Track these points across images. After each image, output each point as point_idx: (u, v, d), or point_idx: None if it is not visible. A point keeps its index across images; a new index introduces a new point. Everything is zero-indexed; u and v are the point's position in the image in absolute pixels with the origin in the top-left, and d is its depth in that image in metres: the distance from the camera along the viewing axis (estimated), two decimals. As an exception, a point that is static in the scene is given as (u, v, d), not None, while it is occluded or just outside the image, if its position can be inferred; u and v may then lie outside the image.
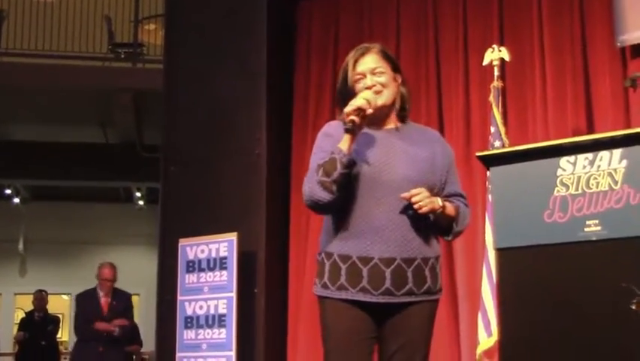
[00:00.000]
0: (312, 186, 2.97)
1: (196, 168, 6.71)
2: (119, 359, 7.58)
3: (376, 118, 3.07)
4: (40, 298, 10.61)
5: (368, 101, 2.94)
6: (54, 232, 15.19)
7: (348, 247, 2.98)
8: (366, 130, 3.05)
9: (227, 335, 6.05)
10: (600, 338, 3.46)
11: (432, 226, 3.03)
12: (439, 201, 2.97)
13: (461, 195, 3.15)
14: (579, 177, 3.62)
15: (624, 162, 3.53)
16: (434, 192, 3.02)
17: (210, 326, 6.14)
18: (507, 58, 5.58)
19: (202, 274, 6.28)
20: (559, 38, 5.95)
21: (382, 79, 3.07)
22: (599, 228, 3.53)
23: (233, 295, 6.08)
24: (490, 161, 3.97)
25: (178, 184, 6.83)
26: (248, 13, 6.78)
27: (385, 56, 3.13)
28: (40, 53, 10.59)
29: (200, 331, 6.19)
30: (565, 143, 3.76)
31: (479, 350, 5.22)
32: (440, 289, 3.09)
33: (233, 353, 5.99)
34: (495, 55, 5.57)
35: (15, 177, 13.43)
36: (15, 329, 12.05)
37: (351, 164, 2.93)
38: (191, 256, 6.36)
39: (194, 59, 6.91)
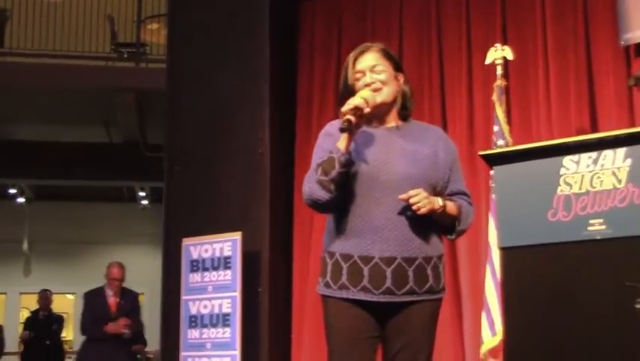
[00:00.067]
0: (311, 185, 2.98)
1: (199, 168, 6.71)
2: (127, 359, 7.55)
3: (376, 116, 3.08)
4: (45, 297, 10.63)
5: (366, 100, 2.93)
6: (58, 232, 15.21)
7: (349, 246, 2.98)
8: (365, 129, 3.05)
9: (231, 334, 6.05)
10: (605, 336, 3.46)
11: (434, 224, 3.01)
12: (439, 201, 2.95)
13: (465, 194, 3.12)
14: (583, 176, 3.62)
15: (628, 161, 3.53)
16: (437, 190, 3.01)
17: (214, 326, 6.14)
18: (510, 57, 5.58)
19: (206, 274, 6.29)
20: (562, 37, 5.94)
21: (382, 76, 3.06)
22: (603, 227, 3.53)
23: (238, 294, 6.08)
24: (494, 160, 3.98)
25: (181, 184, 6.83)
26: (251, 12, 6.78)
27: (386, 54, 3.12)
28: (44, 52, 10.60)
29: (205, 330, 6.19)
30: (568, 142, 3.76)
31: (484, 348, 5.22)
32: (443, 289, 3.07)
33: (237, 353, 6.00)
34: (498, 54, 5.57)
35: (19, 177, 13.45)
36: (20, 328, 12.07)
37: (348, 163, 2.92)
38: (195, 256, 6.37)
39: (197, 59, 6.91)
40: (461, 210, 3.05)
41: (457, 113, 6.36)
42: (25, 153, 11.94)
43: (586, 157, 3.62)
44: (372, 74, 3.06)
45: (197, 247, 6.36)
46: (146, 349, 8.31)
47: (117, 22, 10.94)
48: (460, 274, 6.08)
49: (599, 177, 3.59)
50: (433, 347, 3.03)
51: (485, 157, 4.07)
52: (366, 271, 2.94)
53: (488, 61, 5.62)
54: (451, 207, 3.02)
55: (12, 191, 14.51)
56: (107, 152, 12.04)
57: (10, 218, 15.07)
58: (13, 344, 12.03)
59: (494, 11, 6.30)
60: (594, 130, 5.58)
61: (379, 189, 2.96)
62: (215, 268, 6.23)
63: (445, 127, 6.28)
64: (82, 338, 7.69)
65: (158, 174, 7.49)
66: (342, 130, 2.91)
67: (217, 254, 6.25)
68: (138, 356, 7.88)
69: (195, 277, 6.33)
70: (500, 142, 5.34)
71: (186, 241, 6.42)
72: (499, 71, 5.53)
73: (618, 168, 3.54)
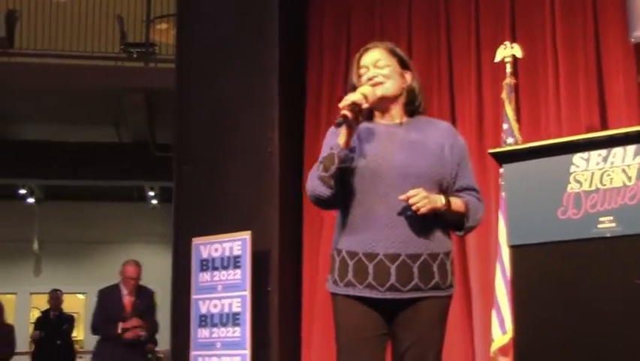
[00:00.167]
0: (313, 182, 3.01)
1: (209, 167, 6.72)
2: (141, 359, 7.51)
3: (379, 111, 3.09)
4: (56, 297, 10.66)
5: (365, 96, 2.95)
6: (68, 232, 15.26)
7: (355, 243, 2.98)
8: (368, 125, 3.07)
9: (241, 333, 6.06)
10: (615, 335, 3.45)
11: (441, 221, 3.00)
12: (441, 199, 2.93)
13: (474, 189, 3.10)
14: (593, 174, 3.61)
15: (638, 159, 3.51)
16: (443, 186, 3.00)
17: (224, 325, 6.16)
18: (519, 55, 5.57)
19: (216, 273, 6.30)
20: (571, 35, 5.93)
21: (384, 71, 3.07)
22: (613, 224, 3.51)
23: (247, 293, 6.09)
24: (503, 158, 3.96)
25: (191, 183, 6.85)
26: (260, 11, 6.79)
27: (392, 51, 3.13)
28: (53, 53, 10.64)
29: (215, 329, 6.20)
30: (578, 139, 3.74)
31: (494, 347, 5.21)
32: (451, 285, 3.05)
33: (247, 352, 6.01)
34: (507, 52, 5.55)
35: (29, 177, 13.50)
36: (31, 328, 12.11)
37: (347, 158, 2.93)
38: (204, 255, 6.38)
39: (206, 58, 6.92)
40: (469, 207, 3.03)
41: (466, 111, 6.35)
42: (35, 153, 11.98)
43: (596, 155, 3.61)
44: (375, 69, 3.08)
45: (207, 247, 6.37)
46: (157, 348, 8.31)
47: (126, 22, 10.98)
48: (470, 272, 6.07)
49: (609, 175, 3.57)
50: (442, 344, 3.02)
51: (495, 155, 4.05)
52: (370, 268, 2.94)
53: (497, 59, 5.61)
54: (458, 204, 3.00)
55: (22, 191, 14.57)
56: (116, 152, 12.08)
57: (21, 218, 15.14)
58: (23, 343, 12.07)
59: (503, 9, 6.29)
60: (604, 128, 5.56)
61: (382, 185, 2.96)
62: (225, 268, 6.25)
63: (454, 125, 6.25)
64: (92, 338, 7.68)
65: (167, 173, 7.51)
66: (337, 125, 2.92)
67: (227, 253, 6.26)
68: (149, 355, 7.87)
69: (205, 277, 6.35)
70: (510, 140, 5.33)
71: (196, 241, 6.43)
72: (509, 69, 5.52)
73: (628, 166, 3.52)
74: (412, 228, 2.94)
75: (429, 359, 2.96)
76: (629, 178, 3.52)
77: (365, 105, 2.94)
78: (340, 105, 2.91)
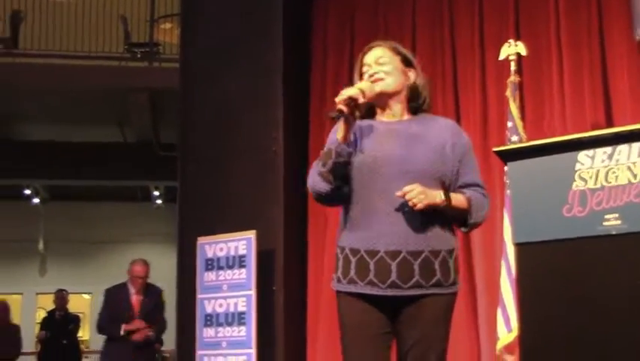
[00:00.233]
0: (313, 177, 3.02)
1: (213, 167, 6.73)
2: (150, 359, 7.46)
3: (380, 108, 3.11)
4: (61, 297, 10.66)
5: (361, 90, 2.95)
6: (73, 232, 15.29)
7: (357, 240, 2.99)
8: (369, 121, 3.09)
9: (247, 332, 6.07)
10: (620, 332, 3.44)
11: (444, 218, 2.99)
12: (440, 195, 2.91)
13: (477, 185, 3.07)
14: (598, 171, 3.60)
15: (644, 156, 3.51)
16: (445, 183, 2.99)
17: (230, 324, 6.16)
18: (523, 52, 5.56)
19: (221, 272, 6.31)
20: (576, 32, 5.91)
21: (385, 68, 3.08)
22: (618, 222, 3.51)
23: (253, 292, 6.10)
24: (508, 156, 3.96)
25: (195, 183, 6.86)
26: (264, 11, 6.79)
27: (394, 49, 3.14)
28: (57, 53, 10.66)
29: (220, 329, 6.21)
30: (583, 137, 3.73)
31: (499, 345, 5.20)
32: (454, 283, 3.02)
33: (253, 351, 6.01)
34: (511, 49, 5.54)
35: (34, 178, 13.53)
36: (37, 328, 12.13)
37: (344, 152, 2.94)
38: (209, 255, 6.39)
39: (211, 58, 6.93)
40: (471, 203, 3.01)
41: (470, 109, 6.34)
42: (39, 153, 12.00)
43: (601, 152, 3.60)
44: (376, 66, 3.09)
45: (212, 246, 6.38)
46: (162, 348, 8.31)
47: (130, 22, 10.98)
48: (475, 270, 6.07)
49: (614, 172, 3.56)
50: (446, 343, 3.00)
51: (499, 153, 4.05)
52: (372, 265, 2.94)
53: (502, 57, 5.60)
54: (459, 200, 2.99)
55: (27, 192, 14.60)
56: (120, 151, 12.09)
57: (26, 219, 15.17)
58: (29, 344, 12.08)
59: (507, 6, 6.28)
60: (609, 125, 5.54)
61: (380, 181, 2.96)
62: (230, 267, 6.25)
63: (458, 123, 6.25)
64: (98, 338, 7.64)
65: (172, 173, 7.52)
66: (332, 118, 2.93)
67: (232, 253, 6.27)
68: (156, 355, 7.85)
69: (210, 276, 6.36)
70: (514, 138, 5.31)
71: (201, 240, 6.44)
72: (513, 66, 5.50)
73: (634, 163, 3.52)
74: (412, 224, 2.93)
75: (431, 358, 2.94)
76: (635, 176, 3.51)
77: (361, 100, 2.94)
78: (336, 100, 2.92)
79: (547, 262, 3.69)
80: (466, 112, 6.37)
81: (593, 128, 5.35)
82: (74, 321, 10.74)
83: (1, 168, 11.88)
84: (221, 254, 6.33)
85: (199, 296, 6.39)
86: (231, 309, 6.19)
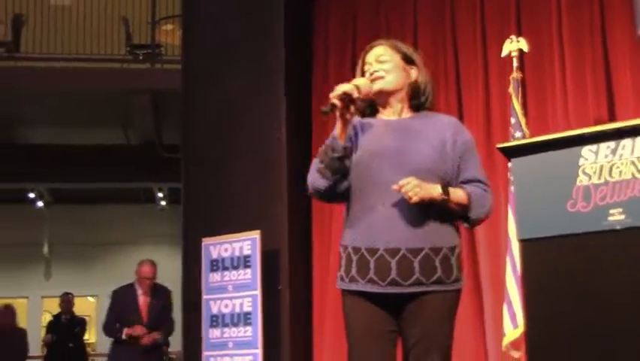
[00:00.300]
0: (312, 174, 3.05)
1: (216, 167, 6.74)
2: (159, 360, 7.42)
3: (381, 106, 3.11)
4: (67, 300, 10.68)
5: (357, 87, 2.96)
6: (78, 235, 15.31)
7: (358, 238, 3.00)
8: (369, 119, 3.10)
9: (252, 332, 6.08)
10: (626, 327, 3.44)
11: (445, 214, 2.97)
12: (437, 189, 2.89)
13: (479, 181, 3.05)
14: (602, 166, 3.60)
15: (647, 150, 3.50)
16: (445, 180, 2.97)
17: (236, 325, 6.17)
18: (526, 49, 5.55)
19: (226, 273, 6.32)
20: (578, 28, 5.91)
21: (385, 66, 3.08)
22: (622, 216, 3.50)
23: (258, 292, 6.11)
24: (512, 152, 3.95)
25: (199, 184, 6.86)
26: (265, 11, 6.80)
27: (395, 47, 3.14)
28: (59, 56, 10.67)
29: (226, 329, 6.22)
30: (586, 132, 3.73)
31: (505, 341, 5.20)
32: (457, 280, 2.99)
33: (259, 351, 6.02)
34: (513, 46, 5.54)
35: (37, 181, 13.55)
36: (43, 331, 12.15)
37: (339, 148, 2.96)
38: (214, 255, 6.40)
39: (213, 59, 6.93)
40: (471, 198, 2.98)
41: (473, 106, 6.34)
42: (42, 157, 12.01)
43: (604, 147, 3.59)
44: (376, 64, 3.10)
45: (217, 247, 6.39)
46: (169, 350, 8.30)
47: (131, 24, 10.99)
48: (480, 267, 6.07)
49: (617, 167, 3.56)
50: (450, 340, 2.98)
51: (503, 150, 4.04)
52: (372, 263, 2.95)
53: (504, 53, 5.60)
54: (459, 195, 2.96)
55: (31, 195, 14.62)
56: (124, 154, 12.09)
57: (30, 222, 15.19)
58: (36, 347, 12.11)
59: (508, 3, 6.27)
60: (612, 120, 5.54)
61: (376, 177, 2.96)
62: (235, 267, 6.26)
63: (461, 121, 6.24)
64: (104, 341, 7.61)
65: (175, 174, 7.52)
66: (323, 112, 2.95)
67: (237, 253, 6.28)
68: (164, 358, 7.83)
69: (215, 277, 6.36)
70: (518, 134, 5.31)
71: (206, 241, 6.45)
72: (515, 63, 5.50)
73: (638, 158, 3.51)
74: (411, 221, 2.92)
75: (434, 357, 2.93)
76: (639, 170, 3.51)
77: (356, 95, 2.94)
78: (330, 95, 2.92)
79: (552, 258, 3.69)
80: (469, 109, 6.37)
81: (596, 123, 5.34)
82: (80, 324, 10.74)
83: (4, 171, 11.90)
84: (226, 255, 6.34)
85: (204, 297, 6.39)
86: (237, 309, 6.20)
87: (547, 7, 6.06)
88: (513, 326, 5.14)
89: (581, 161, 3.65)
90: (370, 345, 2.96)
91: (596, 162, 3.61)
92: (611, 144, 3.58)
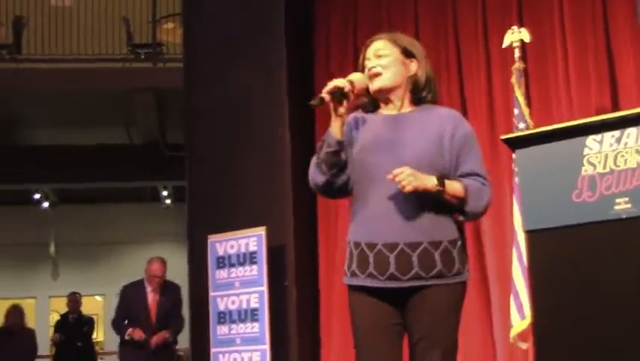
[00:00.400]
0: (311, 169, 3.06)
1: (220, 165, 6.74)
2: (170, 359, 7.38)
3: (383, 101, 3.10)
4: (74, 300, 10.69)
5: (351, 82, 2.96)
6: (84, 234, 15.33)
7: (359, 233, 3.00)
8: (371, 115, 3.10)
9: (260, 328, 6.08)
10: (634, 316, 3.43)
11: (444, 208, 2.95)
12: (433, 180, 2.87)
13: (477, 174, 3.00)
14: (606, 155, 3.60)
15: (652, 139, 3.50)
16: (443, 174, 2.94)
17: (243, 321, 6.18)
18: (527, 39, 5.54)
19: (232, 270, 6.32)
20: (580, 18, 5.89)
21: (383, 61, 3.06)
22: (628, 205, 3.50)
23: (265, 289, 6.11)
24: (516, 143, 3.95)
25: (203, 181, 6.87)
26: (265, 8, 6.79)
27: (394, 41, 3.11)
28: (61, 57, 10.67)
29: (234, 326, 6.23)
30: (590, 122, 3.73)
31: (513, 332, 5.20)
32: (459, 273, 2.96)
33: (267, 347, 6.03)
34: (515, 36, 5.52)
35: (43, 182, 13.55)
36: (51, 331, 12.16)
37: (333, 142, 2.97)
38: (220, 252, 6.40)
39: (214, 57, 6.93)
40: (468, 190, 2.95)
41: (476, 98, 6.33)
42: (46, 157, 12.02)
43: (609, 136, 3.59)
44: (375, 59, 3.08)
45: (223, 244, 6.39)
46: (177, 347, 8.30)
47: (132, 24, 10.98)
48: (487, 259, 6.06)
49: (622, 156, 3.56)
50: (455, 334, 2.96)
51: (507, 141, 4.04)
52: (371, 257, 2.95)
53: (505, 44, 5.58)
54: (455, 187, 2.93)
55: (36, 196, 14.64)
56: (127, 153, 12.10)
57: (36, 223, 15.21)
58: (44, 347, 12.12)
59: (510, -7, 6.27)
60: (615, 109, 5.52)
61: (373, 172, 2.96)
62: (242, 264, 6.27)
63: (464, 113, 6.25)
64: (112, 339, 7.58)
65: (179, 173, 7.52)
66: (311, 105, 2.96)
67: (242, 250, 6.29)
68: (174, 356, 7.81)
69: (222, 274, 6.37)
70: (521, 125, 5.30)
71: (212, 238, 6.45)
72: (517, 53, 5.49)
73: (642, 146, 3.51)
74: (409, 215, 2.91)
75: (437, 352, 2.90)
76: (644, 158, 3.50)
77: (347, 90, 2.94)
78: (324, 90, 2.92)
79: (558, 249, 3.69)
80: (472, 101, 6.36)
81: (600, 113, 5.32)
82: (88, 323, 10.76)
83: (9, 173, 11.91)
84: (232, 251, 6.35)
85: (211, 294, 6.40)
86: (244, 306, 6.21)
87: (548, -3, 6.05)
88: (520, 317, 5.14)
89: (586, 150, 3.64)
90: (376, 340, 2.96)
91: (600, 152, 3.61)
92: (616, 132, 3.58)
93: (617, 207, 3.52)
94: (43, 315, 15.57)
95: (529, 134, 4.07)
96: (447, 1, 6.61)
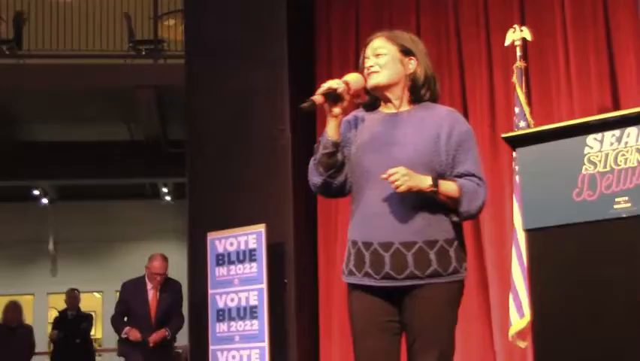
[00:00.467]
0: (309, 170, 3.06)
1: (221, 162, 6.73)
2: (168, 357, 7.35)
3: (382, 100, 3.09)
4: (73, 296, 10.66)
5: (346, 82, 2.95)
6: (83, 231, 15.33)
7: (357, 232, 3.01)
8: (369, 114, 3.10)
9: (259, 326, 6.08)
10: (633, 315, 3.43)
11: (440, 207, 2.94)
12: (427, 181, 2.86)
13: (473, 175, 2.98)
14: (607, 155, 3.59)
15: (652, 138, 3.50)
16: (439, 173, 2.93)
17: (242, 318, 6.17)
18: (529, 38, 5.54)
19: (232, 267, 6.32)
20: (581, 17, 5.90)
21: (381, 60, 3.05)
22: (628, 204, 3.50)
23: (264, 286, 6.11)
24: (516, 142, 3.95)
25: (204, 178, 6.86)
26: (267, 4, 6.79)
27: (392, 38, 3.09)
28: (62, 53, 10.67)
29: (233, 323, 6.22)
30: (591, 120, 3.72)
31: (512, 331, 5.20)
32: (455, 272, 2.95)
33: (265, 344, 6.02)
34: (517, 35, 5.52)
35: (42, 178, 13.56)
36: (49, 328, 12.16)
37: (329, 144, 2.96)
38: (220, 250, 6.40)
39: (215, 53, 6.93)
40: (463, 192, 2.93)
41: (477, 97, 6.33)
42: (46, 154, 12.02)
43: (609, 135, 3.59)
44: (373, 58, 3.06)
45: (222, 241, 6.39)
46: (175, 344, 8.29)
47: (134, 20, 10.98)
48: (486, 257, 6.07)
49: (623, 155, 3.55)
50: (451, 333, 2.96)
51: (508, 139, 4.04)
52: (367, 256, 2.96)
53: (507, 43, 5.58)
54: (450, 188, 2.92)
55: (35, 192, 14.64)
56: (128, 149, 12.10)
57: (35, 219, 15.22)
58: (42, 344, 12.12)
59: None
60: (616, 108, 5.53)
61: (367, 170, 2.97)
62: (241, 261, 6.26)
63: (465, 111, 6.26)
64: (111, 336, 7.55)
65: (180, 169, 7.52)
66: (301, 108, 2.93)
67: (242, 247, 6.28)
68: (172, 354, 7.78)
69: (221, 271, 6.37)
70: (522, 124, 5.30)
71: (211, 235, 6.45)
72: (519, 52, 5.48)
73: (642, 145, 3.51)
74: (404, 215, 2.91)
75: (434, 351, 2.90)
76: (644, 158, 3.50)
77: (341, 90, 2.93)
78: (317, 91, 2.92)
79: (558, 247, 3.68)
80: (473, 99, 6.36)
81: (600, 111, 5.33)
82: (87, 320, 10.73)
83: (8, 169, 11.91)
84: (231, 249, 6.34)
85: (211, 291, 6.40)
86: (243, 303, 6.20)
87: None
88: (519, 315, 5.14)
89: (586, 149, 3.64)
90: (373, 337, 2.96)
91: (601, 151, 3.61)
92: (616, 132, 3.58)
93: (617, 206, 3.52)
94: (42, 311, 15.57)
95: (530, 132, 4.07)
96: (448, 0, 6.61)
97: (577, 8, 5.92)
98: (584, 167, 3.64)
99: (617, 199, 3.53)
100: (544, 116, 5.78)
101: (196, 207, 6.91)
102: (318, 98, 2.91)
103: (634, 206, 3.49)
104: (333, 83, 2.93)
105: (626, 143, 3.55)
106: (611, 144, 3.59)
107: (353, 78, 3.00)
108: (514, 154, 4.63)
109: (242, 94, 6.73)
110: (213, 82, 6.90)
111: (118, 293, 7.54)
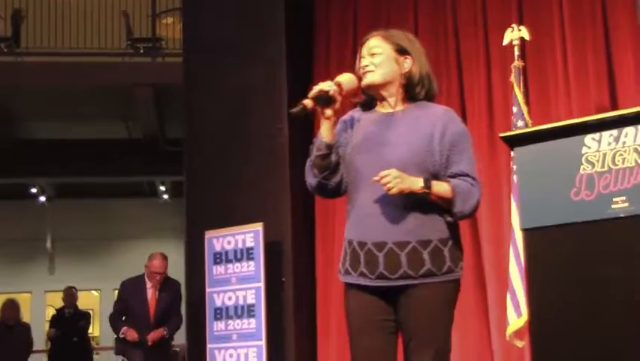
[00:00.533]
0: (306, 171, 3.07)
1: (219, 160, 6.73)
2: (166, 355, 7.34)
3: (378, 100, 3.09)
4: (70, 294, 10.66)
5: (339, 84, 2.94)
6: (80, 229, 15.32)
7: (352, 232, 3.02)
8: (365, 114, 3.09)
9: (256, 324, 6.08)
10: (631, 316, 3.44)
11: (435, 207, 2.93)
12: (419, 182, 2.86)
13: (467, 175, 2.97)
14: (605, 154, 3.59)
15: (650, 137, 3.50)
16: (433, 173, 2.93)
17: (240, 317, 6.17)
18: (527, 37, 5.54)
19: (229, 265, 6.32)
20: (579, 16, 5.90)
21: (376, 59, 3.04)
22: (626, 204, 3.50)
23: (262, 285, 6.11)
24: (514, 141, 3.94)
25: (202, 177, 6.86)
26: (265, 2, 6.79)
27: (387, 37, 3.09)
28: (60, 51, 10.67)
29: (230, 322, 6.22)
30: (589, 120, 3.72)
31: (509, 330, 5.21)
32: (450, 271, 2.95)
33: (263, 343, 6.02)
34: (515, 34, 5.53)
35: (40, 176, 13.55)
36: (46, 326, 12.15)
37: (322, 146, 2.96)
38: (217, 248, 6.40)
39: (213, 51, 6.92)
40: (456, 192, 2.92)
41: (475, 96, 6.33)
42: (44, 151, 12.02)
43: (607, 135, 3.59)
44: (369, 57, 3.06)
45: (220, 239, 6.39)
46: (173, 343, 8.28)
47: (132, 18, 10.98)
48: (484, 256, 6.07)
49: (621, 155, 3.55)
50: (447, 332, 2.96)
51: (505, 139, 4.04)
52: (362, 256, 2.97)
53: (505, 42, 5.59)
54: (443, 189, 2.92)
55: (33, 190, 14.63)
56: (126, 147, 12.09)
57: (33, 217, 15.21)
58: (40, 342, 12.11)
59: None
60: (614, 108, 5.54)
61: (360, 171, 2.97)
62: (239, 260, 6.26)
63: (463, 110, 6.26)
64: (108, 335, 7.53)
65: (178, 168, 7.52)
66: (292, 113, 2.92)
67: (240, 245, 6.28)
68: (170, 353, 7.78)
69: (219, 269, 6.37)
70: (520, 123, 5.31)
71: (209, 234, 6.45)
72: (517, 51, 5.49)
73: (640, 145, 3.51)
74: (397, 215, 2.91)
75: (428, 353, 2.90)
76: (642, 157, 3.50)
77: (333, 92, 2.92)
78: (309, 94, 2.92)
79: (555, 247, 3.68)
80: (471, 99, 6.36)
81: (598, 111, 5.33)
82: (84, 318, 10.72)
83: (6, 167, 11.90)
84: (229, 247, 6.34)
85: (208, 290, 6.40)
86: (241, 302, 6.20)
87: (548, -5, 6.06)
88: (517, 315, 5.15)
89: (584, 149, 3.64)
90: (369, 336, 2.97)
91: (599, 150, 3.61)
92: (614, 131, 3.58)
93: (614, 206, 3.52)
94: (39, 309, 15.55)
95: (528, 132, 4.07)
96: (447, -1, 6.62)
97: (575, 8, 5.92)
98: (581, 167, 3.64)
99: (614, 199, 3.52)
100: (542, 115, 5.78)
101: (194, 206, 6.90)
102: (308, 102, 2.90)
103: (632, 206, 3.49)
104: (325, 86, 2.92)
105: (624, 143, 3.55)
106: (609, 143, 3.59)
107: (345, 79, 2.99)
108: (511, 153, 4.64)
109: (240, 92, 6.72)
110: (211, 80, 6.89)
111: (116, 291, 7.54)
